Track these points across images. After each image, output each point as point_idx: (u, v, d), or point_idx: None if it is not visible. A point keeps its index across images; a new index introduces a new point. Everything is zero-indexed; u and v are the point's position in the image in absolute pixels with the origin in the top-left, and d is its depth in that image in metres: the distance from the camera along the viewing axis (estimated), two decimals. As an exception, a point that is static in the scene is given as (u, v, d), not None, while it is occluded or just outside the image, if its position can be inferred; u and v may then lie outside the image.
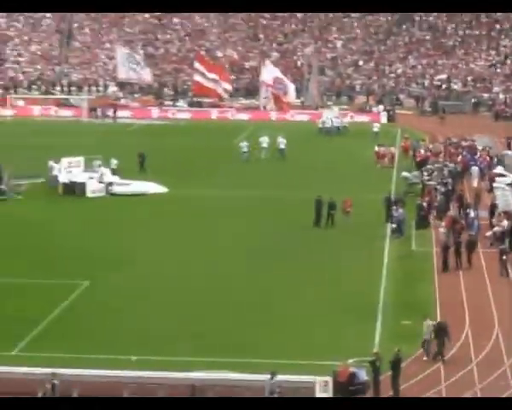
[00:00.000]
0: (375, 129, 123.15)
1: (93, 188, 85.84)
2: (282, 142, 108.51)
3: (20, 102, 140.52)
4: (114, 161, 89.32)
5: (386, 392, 46.35)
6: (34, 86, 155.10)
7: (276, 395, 43.22)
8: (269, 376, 43.45)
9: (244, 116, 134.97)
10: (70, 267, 62.89)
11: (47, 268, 62.66)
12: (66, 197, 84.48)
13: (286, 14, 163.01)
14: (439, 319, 52.25)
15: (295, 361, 47.51)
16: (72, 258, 65.00)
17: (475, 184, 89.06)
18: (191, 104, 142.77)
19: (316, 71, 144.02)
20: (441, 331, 50.49)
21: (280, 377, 46.02)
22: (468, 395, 46.23)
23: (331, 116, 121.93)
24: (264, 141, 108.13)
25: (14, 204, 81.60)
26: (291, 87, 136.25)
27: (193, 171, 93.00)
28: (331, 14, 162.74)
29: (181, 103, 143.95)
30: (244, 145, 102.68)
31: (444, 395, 46.10)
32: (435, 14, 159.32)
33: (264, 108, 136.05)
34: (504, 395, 45.56)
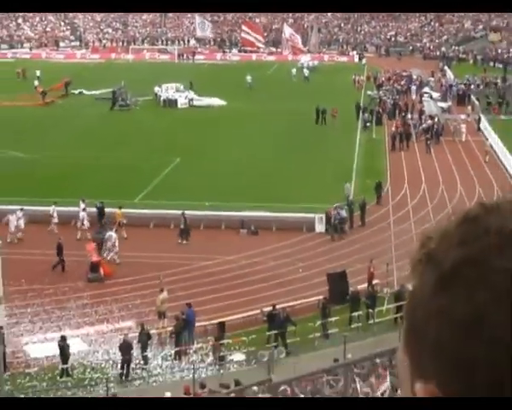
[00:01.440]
0: (363, 61, 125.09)
1: (181, 102, 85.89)
2: (306, 72, 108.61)
3: (138, 51, 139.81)
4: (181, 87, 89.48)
5: (357, 223, 46.95)
6: (145, 41, 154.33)
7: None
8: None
9: (272, 58, 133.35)
10: (167, 149, 63.02)
11: (153, 150, 62.32)
12: (165, 108, 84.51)
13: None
14: (378, 179, 52.88)
15: (304, 205, 47.86)
16: (168, 143, 65.07)
17: (413, 97, 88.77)
18: (240, 51, 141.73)
19: (315, 30, 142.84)
20: (378, 187, 51.11)
21: (292, 214, 46.66)
22: (405, 226, 46.59)
23: (305, 60, 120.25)
24: (294, 71, 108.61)
25: (133, 112, 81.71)
26: (299, 40, 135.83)
27: (241, 91, 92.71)
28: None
29: (234, 51, 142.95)
30: (249, 78, 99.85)
31: (392, 226, 46.49)
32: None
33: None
34: (426, 226, 45.95)
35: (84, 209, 45.59)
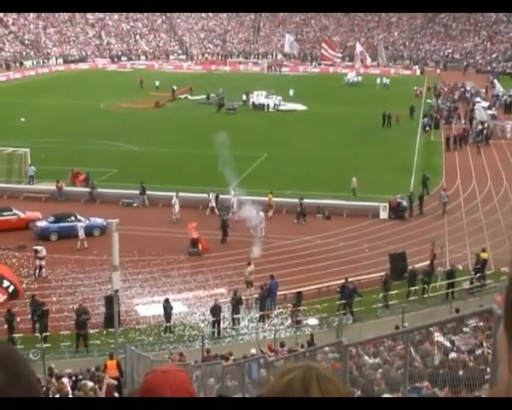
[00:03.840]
0: (438, 71, 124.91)
1: (269, 106, 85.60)
2: (386, 81, 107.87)
3: (234, 63, 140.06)
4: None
5: (416, 212, 46.23)
6: (240, 55, 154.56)
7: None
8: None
9: (346, 70, 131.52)
10: (257, 146, 62.94)
11: (245, 146, 61.46)
12: (255, 111, 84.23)
13: (370, 17, 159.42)
14: (423, 172, 52.07)
15: (370, 194, 47.43)
16: (257, 141, 65.02)
17: (466, 106, 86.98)
18: (319, 64, 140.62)
19: (382, 47, 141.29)
20: (425, 178, 50.06)
21: (360, 202, 46.22)
22: (457, 215, 45.71)
23: (352, 75, 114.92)
24: (378, 80, 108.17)
25: (229, 114, 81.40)
26: (368, 57, 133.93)
27: (320, 97, 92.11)
28: (393, 19, 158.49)
29: (314, 64, 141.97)
30: (291, 91, 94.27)
31: (445, 215, 45.61)
32: (447, 18, 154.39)
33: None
34: (474, 216, 45.03)
35: (235, 196, 45.60)
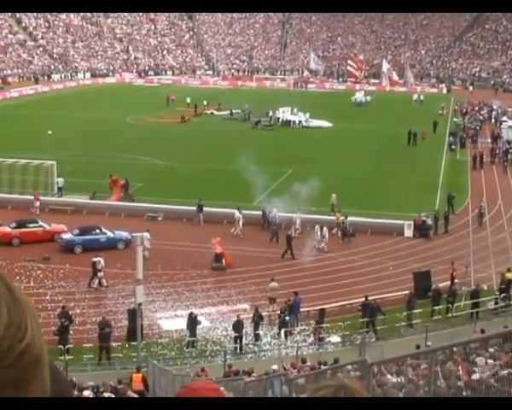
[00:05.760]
0: (471, 88, 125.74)
1: (295, 123, 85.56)
2: (420, 97, 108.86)
3: (260, 79, 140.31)
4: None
5: (441, 230, 46.02)
6: (266, 71, 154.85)
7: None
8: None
9: (372, 88, 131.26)
10: (282, 162, 62.83)
11: (271, 162, 61.11)
12: (282, 127, 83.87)
13: (397, 35, 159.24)
14: (448, 191, 51.87)
15: (395, 212, 47.30)
16: (283, 157, 64.74)
17: (493, 125, 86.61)
18: (345, 81, 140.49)
19: (408, 65, 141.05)
20: (450, 197, 49.81)
21: (385, 220, 46.06)
22: (482, 234, 45.42)
23: (360, 95, 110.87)
24: (415, 96, 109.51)
25: (255, 130, 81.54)
26: (394, 74, 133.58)
27: (345, 114, 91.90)
28: (419, 37, 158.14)
29: (340, 81, 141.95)
30: (295, 110, 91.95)
31: (471, 234, 45.32)
32: (474, 36, 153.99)
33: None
34: (500, 236, 44.71)
35: (297, 212, 45.57)
